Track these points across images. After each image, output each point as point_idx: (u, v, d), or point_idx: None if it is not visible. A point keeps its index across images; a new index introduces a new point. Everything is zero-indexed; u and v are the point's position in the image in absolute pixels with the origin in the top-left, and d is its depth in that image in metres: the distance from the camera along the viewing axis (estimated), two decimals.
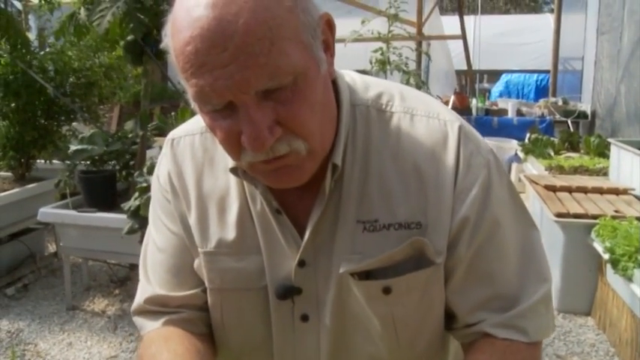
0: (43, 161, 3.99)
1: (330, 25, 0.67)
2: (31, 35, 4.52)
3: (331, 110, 0.70)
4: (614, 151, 3.94)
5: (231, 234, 0.78)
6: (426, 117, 0.74)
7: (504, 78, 9.57)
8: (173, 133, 0.86)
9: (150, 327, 0.84)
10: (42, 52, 3.87)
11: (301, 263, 0.76)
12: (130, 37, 3.01)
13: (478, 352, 0.75)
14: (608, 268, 2.78)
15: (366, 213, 0.73)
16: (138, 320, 0.87)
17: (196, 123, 0.84)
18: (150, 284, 0.85)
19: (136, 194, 2.79)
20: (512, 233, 0.76)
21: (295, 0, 0.62)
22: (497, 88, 9.50)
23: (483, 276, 0.75)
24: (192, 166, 0.81)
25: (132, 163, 3.35)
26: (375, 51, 4.88)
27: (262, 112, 0.61)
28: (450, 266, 0.75)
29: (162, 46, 0.65)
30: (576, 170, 4.23)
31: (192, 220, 0.80)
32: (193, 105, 0.67)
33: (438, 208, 0.72)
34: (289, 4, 0.61)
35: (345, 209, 0.73)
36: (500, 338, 0.75)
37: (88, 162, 3.34)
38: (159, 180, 0.85)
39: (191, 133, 0.83)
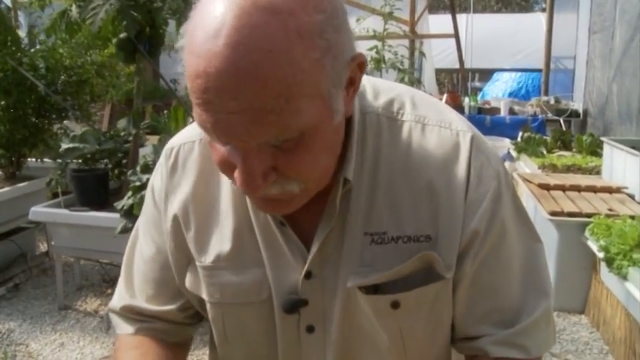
0: (34, 160, 3.95)
1: (361, 67, 0.63)
2: (21, 32, 4.47)
3: (337, 148, 0.67)
4: (607, 149, 3.96)
5: (229, 247, 0.75)
6: (437, 127, 0.72)
7: (496, 77, 9.60)
8: (171, 142, 0.81)
9: (124, 330, 0.87)
10: (32, 50, 3.83)
11: (307, 275, 0.74)
12: (122, 35, 2.98)
13: None
14: (603, 266, 2.78)
15: (375, 225, 0.71)
16: (114, 318, 0.89)
17: (194, 129, 0.80)
18: (129, 290, 0.86)
19: (129, 193, 2.76)
20: (516, 246, 0.75)
21: (328, 47, 0.56)
22: (491, 86, 9.52)
23: (486, 288, 0.74)
24: (192, 175, 0.77)
25: (124, 161, 3.32)
26: (370, 49, 4.87)
27: (259, 160, 0.58)
28: (455, 278, 0.73)
29: (177, 45, 0.62)
30: (569, 169, 4.25)
31: (191, 235, 0.78)
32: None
33: (448, 222, 0.70)
34: (317, 57, 0.55)
35: (353, 220, 0.71)
36: (501, 357, 0.74)
37: (80, 161, 3.31)
38: (153, 193, 0.82)
39: (190, 140, 0.79)
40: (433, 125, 0.72)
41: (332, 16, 0.57)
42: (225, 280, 0.76)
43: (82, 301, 3.25)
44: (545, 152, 4.87)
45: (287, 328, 0.77)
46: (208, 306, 0.80)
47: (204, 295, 0.79)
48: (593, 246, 2.82)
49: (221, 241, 0.76)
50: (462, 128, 0.72)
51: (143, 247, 0.84)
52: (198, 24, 0.56)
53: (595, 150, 4.74)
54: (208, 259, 0.76)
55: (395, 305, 0.72)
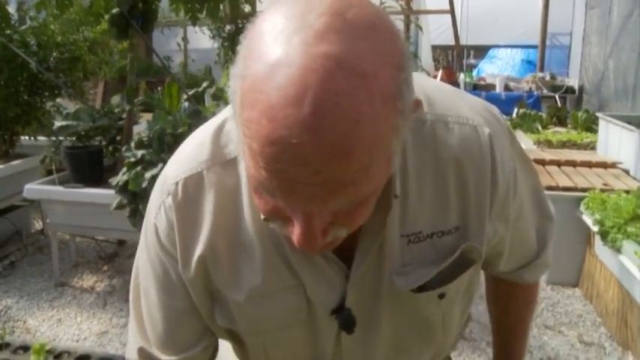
0: (27, 138, 3.92)
1: (417, 108, 0.58)
2: (10, 9, 4.40)
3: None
4: (603, 125, 3.96)
5: (261, 278, 0.72)
6: (458, 124, 0.71)
7: (492, 53, 9.54)
8: (171, 177, 0.72)
9: None
10: (23, 27, 3.77)
11: (350, 285, 0.73)
12: (114, 10, 2.94)
13: (521, 290, 0.96)
14: (597, 240, 2.80)
15: (409, 227, 0.71)
16: None
17: (193, 157, 0.72)
18: (143, 338, 0.81)
19: (124, 169, 2.75)
20: (527, 196, 0.81)
21: (403, 107, 0.53)
22: (487, 63, 9.47)
23: (516, 241, 0.82)
24: (208, 210, 0.70)
25: (118, 138, 3.30)
26: None
27: (322, 219, 0.55)
28: (494, 250, 0.80)
29: (230, 90, 0.54)
30: (564, 144, 4.25)
31: (220, 273, 0.72)
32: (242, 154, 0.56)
33: (477, 212, 0.72)
34: (395, 121, 0.52)
35: (390, 226, 0.70)
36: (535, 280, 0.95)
37: (74, 138, 3.29)
38: (157, 234, 0.73)
39: (195, 171, 0.70)
40: (454, 123, 0.71)
41: (408, 71, 0.54)
42: (262, 311, 0.73)
43: (79, 277, 3.25)
44: (540, 128, 4.87)
45: (329, 336, 0.77)
46: (246, 337, 0.78)
47: (241, 328, 0.76)
48: (588, 220, 2.84)
49: (252, 274, 0.72)
50: (478, 122, 0.72)
51: (150, 293, 0.77)
52: (270, 79, 0.49)
53: (590, 126, 4.75)
54: (242, 294, 0.72)
55: (441, 296, 0.76)
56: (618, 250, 2.53)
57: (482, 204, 0.72)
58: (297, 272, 0.71)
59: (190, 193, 0.70)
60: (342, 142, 0.48)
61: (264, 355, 0.80)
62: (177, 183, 0.71)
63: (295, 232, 0.56)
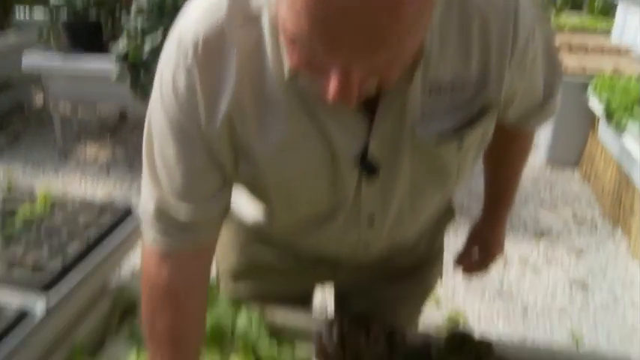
0: (23, 17, 3.81)
1: None
2: None
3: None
4: (621, 8, 3.82)
5: (288, 128, 0.71)
6: None
7: None
8: (191, 33, 0.68)
9: (161, 244, 0.79)
10: None
11: (374, 135, 0.74)
12: None
13: (520, 139, 1.00)
14: (601, 122, 2.79)
15: (431, 77, 0.71)
16: (146, 228, 0.80)
17: (213, 12, 0.68)
18: (159, 194, 0.78)
19: (124, 39, 2.69)
20: (540, 48, 0.80)
21: None
22: None
23: (526, 89, 0.82)
24: (232, 66, 0.68)
25: (117, 16, 3.20)
26: None
27: (360, 73, 0.55)
28: (505, 99, 0.80)
29: None
30: (578, 30, 4.12)
31: (247, 127, 0.72)
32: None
33: (498, 63, 0.72)
34: None
35: (414, 78, 0.70)
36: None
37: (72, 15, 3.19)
38: (176, 92, 0.70)
39: (217, 26, 0.67)
40: None
41: None
42: (289, 161, 0.74)
43: (82, 149, 3.29)
44: (554, 14, 4.70)
45: (351, 184, 0.79)
46: (271, 187, 0.78)
47: (266, 179, 0.76)
48: (595, 101, 2.80)
49: (278, 126, 0.72)
50: None
51: (166, 151, 0.75)
52: None
53: (607, 13, 4.58)
54: (268, 146, 0.72)
55: (460, 146, 0.77)
56: (622, 130, 2.52)
57: (503, 56, 0.72)
58: (322, 122, 0.72)
59: (212, 49, 0.67)
60: (392, 5, 0.49)
61: (287, 203, 0.82)
62: (197, 39, 0.67)
63: (332, 85, 0.56)
